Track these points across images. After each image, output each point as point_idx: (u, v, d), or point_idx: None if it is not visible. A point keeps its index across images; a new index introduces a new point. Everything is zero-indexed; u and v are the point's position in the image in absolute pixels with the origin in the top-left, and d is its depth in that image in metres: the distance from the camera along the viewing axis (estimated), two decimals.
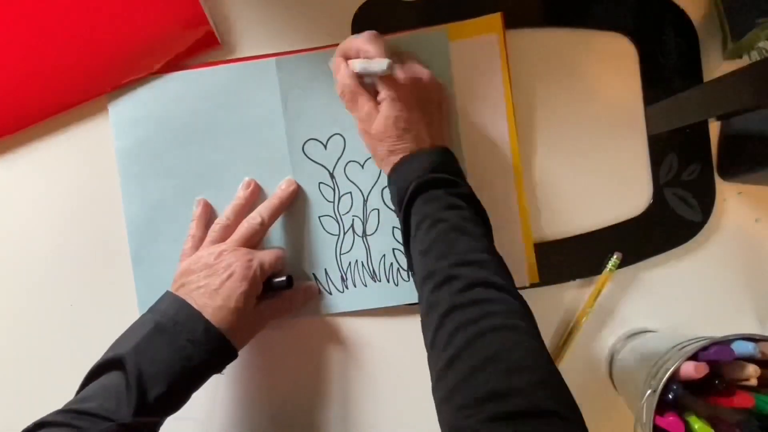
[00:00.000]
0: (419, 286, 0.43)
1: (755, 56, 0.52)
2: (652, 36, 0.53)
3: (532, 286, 0.53)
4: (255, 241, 0.50)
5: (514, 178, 0.53)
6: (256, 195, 0.53)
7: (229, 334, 0.44)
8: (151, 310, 0.46)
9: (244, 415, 0.54)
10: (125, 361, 0.41)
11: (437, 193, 0.44)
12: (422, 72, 0.47)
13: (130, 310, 0.53)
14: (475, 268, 0.39)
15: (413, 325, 0.53)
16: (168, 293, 0.46)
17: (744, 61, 0.53)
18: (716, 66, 0.54)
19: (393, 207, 0.49)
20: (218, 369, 0.45)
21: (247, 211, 0.51)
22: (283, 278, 0.49)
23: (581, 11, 0.54)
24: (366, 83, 0.47)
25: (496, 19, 0.52)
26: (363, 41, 0.46)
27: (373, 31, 0.47)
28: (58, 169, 0.54)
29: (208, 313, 0.44)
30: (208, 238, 0.50)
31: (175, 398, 0.43)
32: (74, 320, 0.54)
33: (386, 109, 0.45)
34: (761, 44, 0.51)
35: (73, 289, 0.55)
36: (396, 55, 0.47)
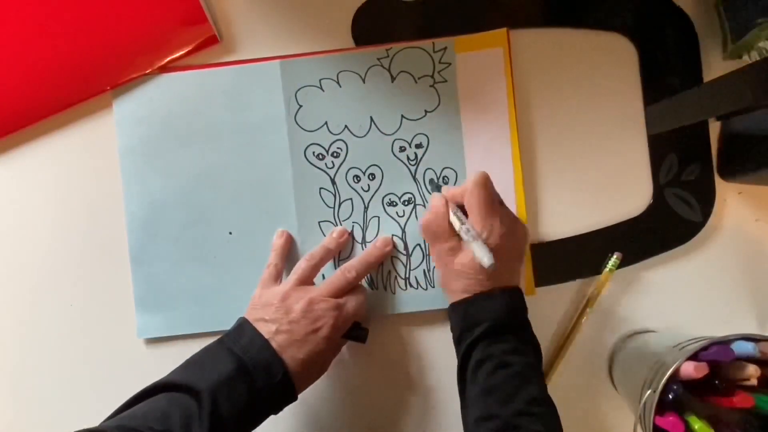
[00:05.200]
0: (472, 424, 0.42)
1: (755, 56, 0.52)
2: (652, 36, 0.53)
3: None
4: (342, 293, 0.49)
5: (515, 186, 0.53)
6: (346, 244, 0.52)
7: (297, 382, 0.44)
8: (231, 341, 0.44)
9: None
10: (200, 391, 0.40)
11: (508, 336, 0.44)
12: (516, 222, 0.48)
13: (129, 310, 0.53)
14: (535, 421, 0.40)
15: (408, 334, 0.54)
16: (247, 325, 0.45)
17: (744, 61, 0.53)
18: (716, 66, 0.54)
19: (452, 334, 0.48)
20: (276, 412, 0.45)
21: (336, 255, 0.52)
22: (359, 333, 0.49)
23: (581, 11, 0.54)
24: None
25: (501, 34, 0.53)
26: (473, 185, 0.46)
27: (483, 177, 0.46)
28: (60, 168, 0.54)
29: (286, 360, 0.43)
30: (296, 274, 0.48)
31: None
32: (74, 320, 0.54)
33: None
34: (761, 44, 0.51)
35: (73, 288, 0.54)
36: (496, 200, 0.47)
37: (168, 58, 0.53)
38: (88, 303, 0.54)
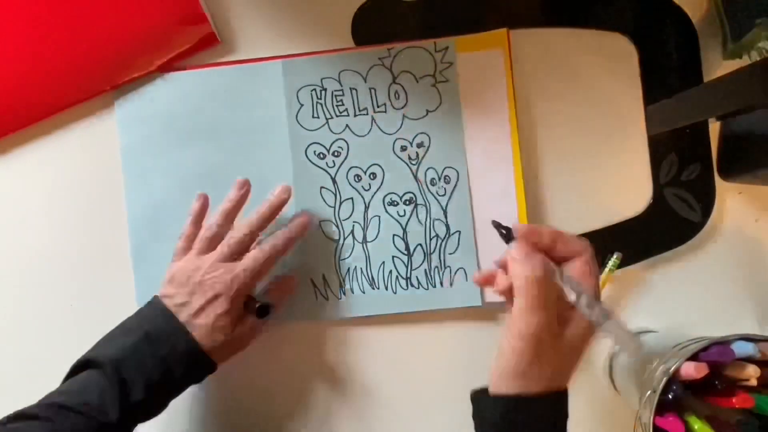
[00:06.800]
0: None
1: (755, 56, 0.52)
2: (652, 36, 0.53)
3: None
4: (242, 251, 0.48)
5: (515, 185, 0.53)
6: (246, 197, 0.51)
7: (210, 351, 0.45)
8: (142, 316, 0.46)
9: (226, 419, 0.54)
10: (105, 363, 0.42)
11: None
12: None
13: (130, 310, 0.53)
14: None
15: (409, 335, 0.54)
16: (156, 301, 0.47)
17: (744, 61, 0.53)
18: (716, 66, 0.54)
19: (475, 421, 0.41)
20: (198, 380, 0.47)
21: (237, 214, 0.50)
22: (251, 305, 0.46)
23: (581, 11, 0.54)
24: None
25: (501, 34, 0.53)
26: (585, 250, 0.39)
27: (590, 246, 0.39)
28: (61, 168, 0.54)
29: (192, 330, 0.45)
30: (197, 247, 0.48)
31: (153, 404, 0.44)
32: (74, 320, 0.54)
33: (589, 326, 0.38)
34: (761, 44, 0.51)
35: (73, 289, 0.54)
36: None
37: (168, 58, 0.53)
38: (90, 303, 0.54)
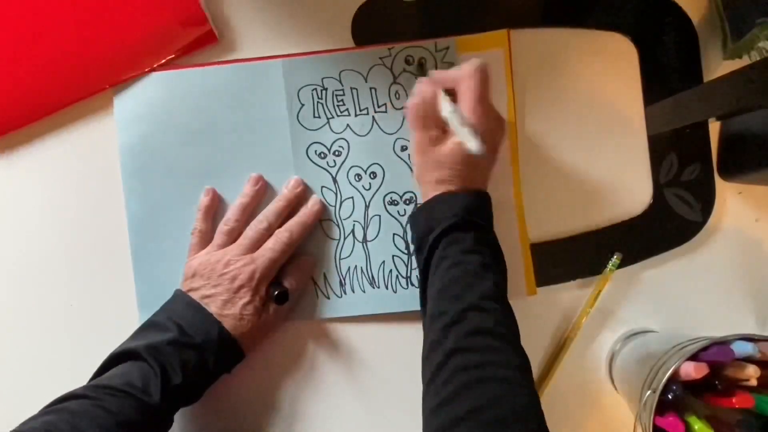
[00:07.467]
0: (428, 322, 0.43)
1: (755, 56, 0.53)
2: (652, 36, 0.53)
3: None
4: (261, 244, 0.50)
5: (514, 185, 0.53)
6: (264, 192, 0.53)
7: (239, 339, 0.47)
8: (170, 311, 0.47)
9: (228, 418, 0.54)
10: (142, 352, 0.43)
11: (465, 236, 0.44)
12: (500, 122, 0.47)
13: (130, 309, 0.53)
14: (483, 315, 0.41)
15: (409, 333, 0.53)
16: (182, 295, 0.48)
17: (744, 61, 0.53)
18: (716, 66, 0.54)
19: (411, 230, 0.49)
20: (228, 369, 0.48)
21: (254, 209, 0.52)
22: (272, 293, 0.48)
23: (581, 11, 0.54)
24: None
25: (502, 35, 0.53)
26: (469, 74, 0.44)
27: (483, 67, 0.44)
28: (59, 167, 0.54)
29: (221, 320, 0.46)
30: (216, 241, 0.50)
31: (191, 390, 0.46)
32: (74, 320, 0.54)
33: (458, 144, 0.45)
34: (761, 44, 0.51)
35: (73, 289, 0.54)
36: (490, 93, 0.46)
37: (168, 57, 0.53)
38: (89, 303, 0.54)
